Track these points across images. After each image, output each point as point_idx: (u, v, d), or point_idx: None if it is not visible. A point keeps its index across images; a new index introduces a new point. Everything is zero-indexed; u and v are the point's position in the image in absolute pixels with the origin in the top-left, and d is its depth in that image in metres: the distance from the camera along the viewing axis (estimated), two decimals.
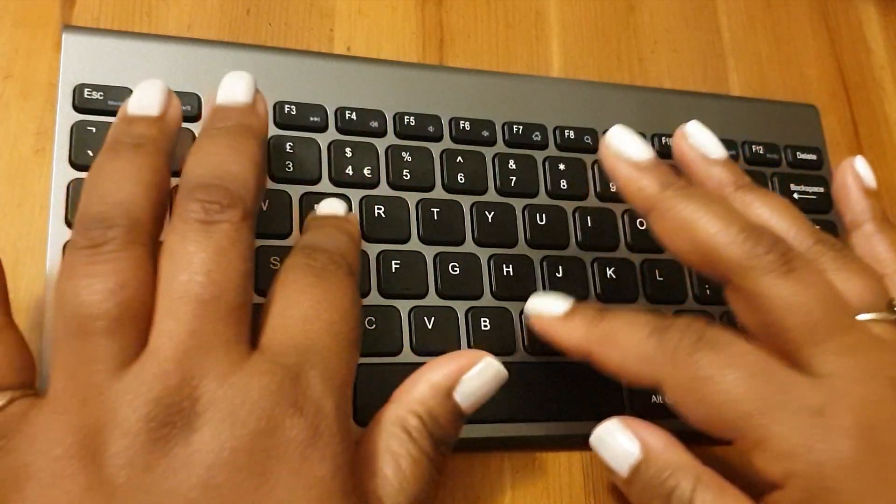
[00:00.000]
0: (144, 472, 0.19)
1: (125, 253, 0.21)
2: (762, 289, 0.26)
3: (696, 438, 0.28)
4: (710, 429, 0.26)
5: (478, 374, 0.26)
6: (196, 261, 0.22)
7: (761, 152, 0.40)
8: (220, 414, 0.20)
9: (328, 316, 0.23)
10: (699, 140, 0.31)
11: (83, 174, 0.29)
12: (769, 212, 0.29)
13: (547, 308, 0.30)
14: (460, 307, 0.32)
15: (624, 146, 0.29)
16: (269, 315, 0.23)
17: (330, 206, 0.29)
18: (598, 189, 0.36)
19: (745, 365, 0.25)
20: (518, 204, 0.35)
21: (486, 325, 0.32)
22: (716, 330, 0.26)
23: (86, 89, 0.30)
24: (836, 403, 0.24)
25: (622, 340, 0.27)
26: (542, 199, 0.35)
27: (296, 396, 0.21)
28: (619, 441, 0.28)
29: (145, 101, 0.26)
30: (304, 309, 0.23)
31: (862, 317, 0.26)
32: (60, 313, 0.21)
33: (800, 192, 0.39)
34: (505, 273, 0.33)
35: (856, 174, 0.34)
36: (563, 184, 0.36)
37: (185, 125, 0.31)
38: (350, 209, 0.31)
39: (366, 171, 0.33)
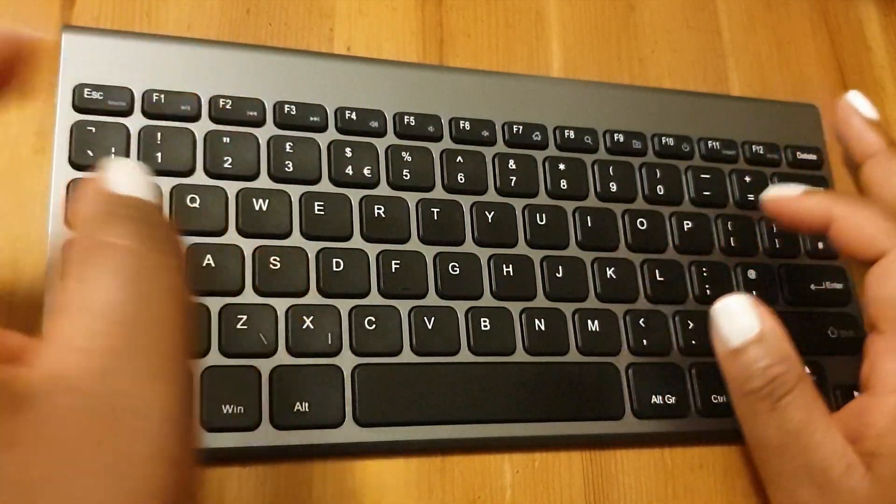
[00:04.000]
0: None
1: None
2: None
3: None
4: None
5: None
6: None
7: (761, 152, 0.40)
8: None
9: None
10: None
11: (83, 174, 0.29)
12: None
13: (784, 191, 0.33)
14: (460, 307, 0.32)
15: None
16: None
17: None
18: (598, 189, 0.36)
19: None
20: (518, 204, 0.35)
21: (486, 325, 0.32)
22: None
23: (85, 89, 0.30)
24: None
25: (867, 212, 0.31)
26: (542, 199, 0.35)
27: None
28: (745, 313, 0.29)
29: None
30: None
31: None
32: None
33: None
34: (505, 273, 0.33)
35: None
36: (563, 184, 0.36)
37: (184, 125, 0.31)
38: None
39: (366, 171, 0.33)
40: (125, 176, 0.21)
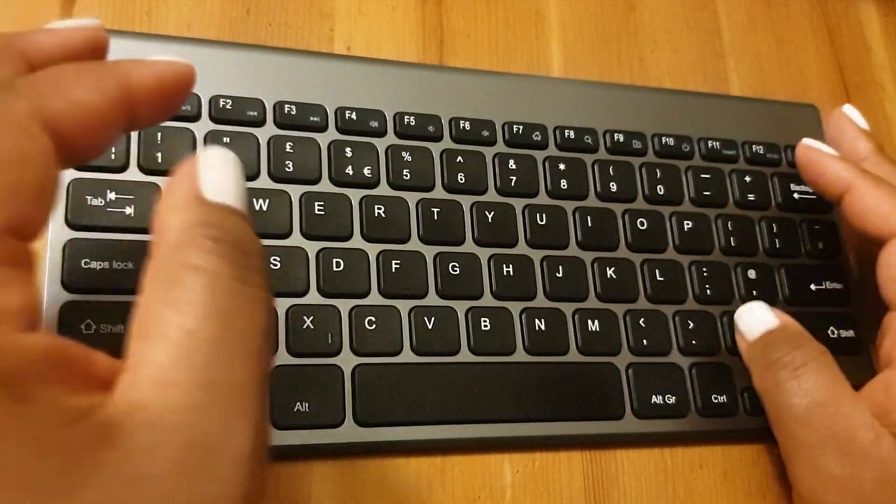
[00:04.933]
0: None
1: None
2: None
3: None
4: None
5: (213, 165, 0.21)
6: None
7: (761, 152, 0.40)
8: None
9: None
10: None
11: (83, 174, 0.29)
12: None
13: (820, 146, 0.35)
14: (460, 307, 0.32)
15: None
16: None
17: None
18: (599, 189, 0.36)
19: None
20: (518, 204, 0.35)
21: (486, 325, 0.32)
22: None
23: None
24: None
25: (888, 189, 0.33)
26: (542, 199, 0.35)
27: None
28: (764, 312, 0.32)
29: None
30: None
31: None
32: None
33: (800, 192, 0.39)
34: (505, 273, 0.33)
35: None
36: (563, 184, 0.36)
37: (184, 125, 0.31)
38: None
39: (366, 171, 0.33)
40: (219, 176, 0.20)
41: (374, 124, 0.34)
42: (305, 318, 0.30)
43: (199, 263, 0.18)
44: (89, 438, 0.15)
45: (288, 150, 0.32)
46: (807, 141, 0.36)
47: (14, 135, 0.18)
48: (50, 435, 0.15)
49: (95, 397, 0.16)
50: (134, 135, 0.30)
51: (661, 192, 0.37)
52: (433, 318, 0.31)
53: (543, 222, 0.35)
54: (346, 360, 0.30)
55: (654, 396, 0.33)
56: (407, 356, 0.31)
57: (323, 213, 0.32)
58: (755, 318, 0.32)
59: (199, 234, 0.18)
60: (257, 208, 0.31)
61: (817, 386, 0.29)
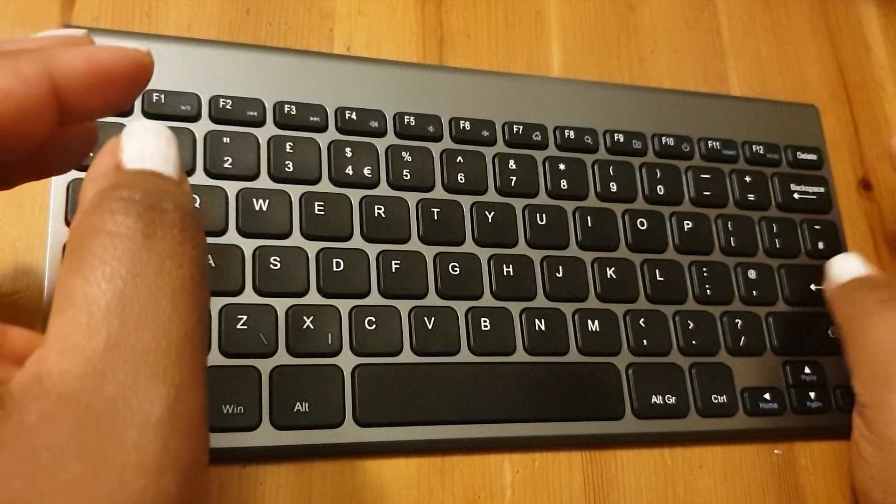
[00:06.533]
0: None
1: None
2: None
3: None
4: None
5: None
6: None
7: (761, 152, 0.40)
8: None
9: None
10: None
11: (83, 174, 0.29)
12: None
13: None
14: (460, 307, 0.32)
15: None
16: None
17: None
18: (599, 189, 0.36)
19: None
20: (518, 204, 0.35)
21: (486, 325, 0.32)
22: None
23: None
24: None
25: None
26: (542, 199, 0.35)
27: None
28: (855, 262, 0.34)
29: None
30: None
31: None
32: None
33: (800, 192, 0.39)
34: (505, 273, 0.33)
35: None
36: (563, 184, 0.36)
37: (184, 125, 0.31)
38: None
39: (366, 171, 0.33)
40: (140, 144, 0.19)
41: (374, 124, 0.34)
42: (305, 318, 0.30)
43: (103, 226, 0.17)
44: None
45: (288, 150, 0.32)
46: None
47: None
48: None
49: (2, 371, 0.16)
50: None
51: (661, 192, 0.37)
52: (433, 318, 0.31)
53: (543, 222, 0.35)
54: (346, 361, 0.30)
55: (654, 396, 0.33)
56: (407, 356, 0.31)
57: (323, 213, 0.32)
58: (847, 266, 0.34)
59: (107, 198, 0.17)
60: (257, 208, 0.31)
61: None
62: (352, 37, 0.37)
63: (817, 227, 0.39)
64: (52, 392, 0.15)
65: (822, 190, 0.40)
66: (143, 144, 0.19)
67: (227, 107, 0.32)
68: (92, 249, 0.17)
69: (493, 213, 0.34)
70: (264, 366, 0.29)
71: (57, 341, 0.16)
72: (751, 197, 0.38)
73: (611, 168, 0.37)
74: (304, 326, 0.30)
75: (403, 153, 0.34)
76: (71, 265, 0.17)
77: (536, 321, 0.33)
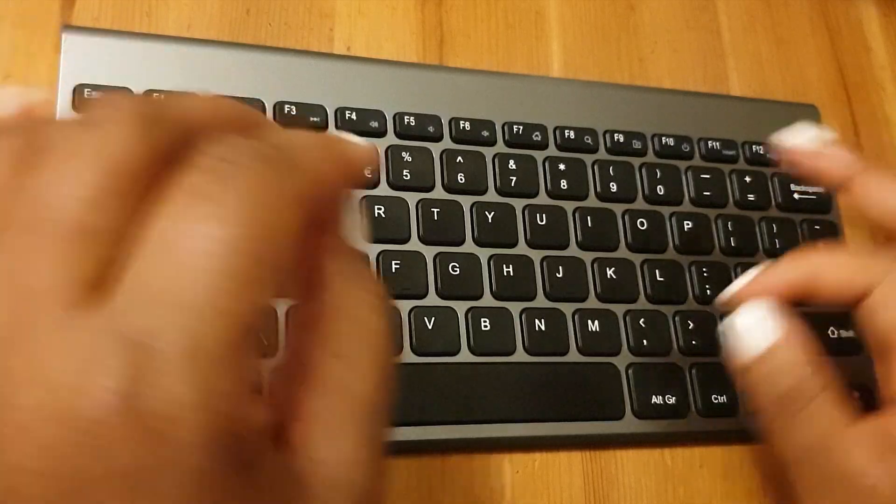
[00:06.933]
0: None
1: None
2: None
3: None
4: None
5: None
6: None
7: (761, 152, 0.40)
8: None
9: (218, 234, 0.14)
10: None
11: None
12: None
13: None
14: (460, 307, 0.32)
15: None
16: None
17: None
18: (599, 189, 0.36)
19: None
20: (518, 204, 0.35)
21: (486, 325, 0.32)
22: None
23: (85, 89, 0.30)
24: None
25: (840, 257, 0.29)
26: (542, 199, 0.35)
27: (132, 390, 0.13)
28: (764, 319, 0.28)
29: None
30: (180, 231, 0.14)
31: None
32: None
33: (800, 192, 0.39)
34: (505, 273, 0.33)
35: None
36: (563, 184, 0.36)
37: None
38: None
39: (365, 172, 0.33)
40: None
41: (374, 124, 0.34)
42: None
43: (365, 320, 0.17)
44: (290, 497, 0.15)
45: None
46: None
47: (287, 216, 0.15)
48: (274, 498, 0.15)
49: (283, 458, 0.16)
50: None
51: (661, 193, 0.37)
52: (433, 318, 0.31)
53: (543, 222, 0.35)
54: None
55: (654, 396, 0.33)
56: (407, 356, 0.31)
57: None
58: (756, 330, 0.28)
59: (364, 293, 0.18)
60: None
61: (820, 424, 0.27)
62: (352, 37, 0.37)
63: (817, 227, 0.39)
64: (334, 481, 0.16)
65: (821, 190, 0.40)
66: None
67: None
68: (352, 338, 0.17)
69: (493, 213, 0.34)
70: (264, 367, 0.29)
71: (322, 424, 0.16)
72: (751, 197, 0.38)
73: (611, 168, 0.37)
74: None
75: (403, 153, 0.34)
76: (323, 343, 0.17)
77: (536, 321, 0.33)
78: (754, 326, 0.28)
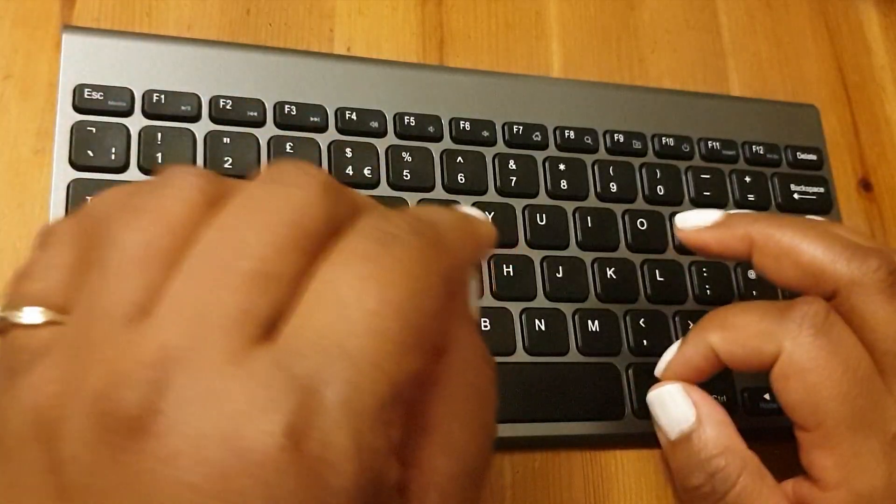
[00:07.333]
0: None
1: None
2: (867, 307, 0.26)
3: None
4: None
5: None
6: None
7: (761, 152, 0.40)
8: (181, 427, 0.13)
9: (379, 295, 0.15)
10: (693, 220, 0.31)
11: (83, 174, 0.29)
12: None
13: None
14: None
15: (694, 218, 0.30)
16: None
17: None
18: (599, 189, 0.36)
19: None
20: (518, 204, 0.35)
21: (486, 326, 0.32)
22: None
23: (86, 89, 0.30)
24: None
25: (744, 318, 0.28)
26: (542, 199, 0.35)
27: (297, 429, 0.14)
28: (677, 403, 0.29)
29: None
30: (346, 287, 0.15)
31: None
32: None
33: (800, 193, 0.39)
34: (505, 273, 0.33)
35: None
36: (563, 184, 0.36)
37: (184, 125, 0.31)
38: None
39: (366, 172, 0.33)
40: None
41: (375, 124, 0.34)
42: None
43: (484, 389, 0.19)
44: None
45: (288, 150, 0.32)
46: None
47: None
48: None
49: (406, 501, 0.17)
50: (134, 136, 0.30)
51: (661, 193, 0.37)
52: None
53: (543, 222, 0.35)
54: None
55: None
56: None
57: None
58: (671, 416, 0.29)
59: (482, 362, 0.19)
60: None
61: None
62: (352, 37, 0.37)
63: None
64: None
65: (821, 190, 0.40)
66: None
67: (228, 107, 0.32)
68: (481, 408, 0.18)
69: (492, 213, 0.34)
70: None
71: (435, 477, 0.17)
72: (751, 197, 0.38)
73: (611, 168, 0.37)
74: None
75: (403, 153, 0.34)
76: (450, 406, 0.18)
77: (536, 321, 0.33)
78: (669, 409, 0.29)
